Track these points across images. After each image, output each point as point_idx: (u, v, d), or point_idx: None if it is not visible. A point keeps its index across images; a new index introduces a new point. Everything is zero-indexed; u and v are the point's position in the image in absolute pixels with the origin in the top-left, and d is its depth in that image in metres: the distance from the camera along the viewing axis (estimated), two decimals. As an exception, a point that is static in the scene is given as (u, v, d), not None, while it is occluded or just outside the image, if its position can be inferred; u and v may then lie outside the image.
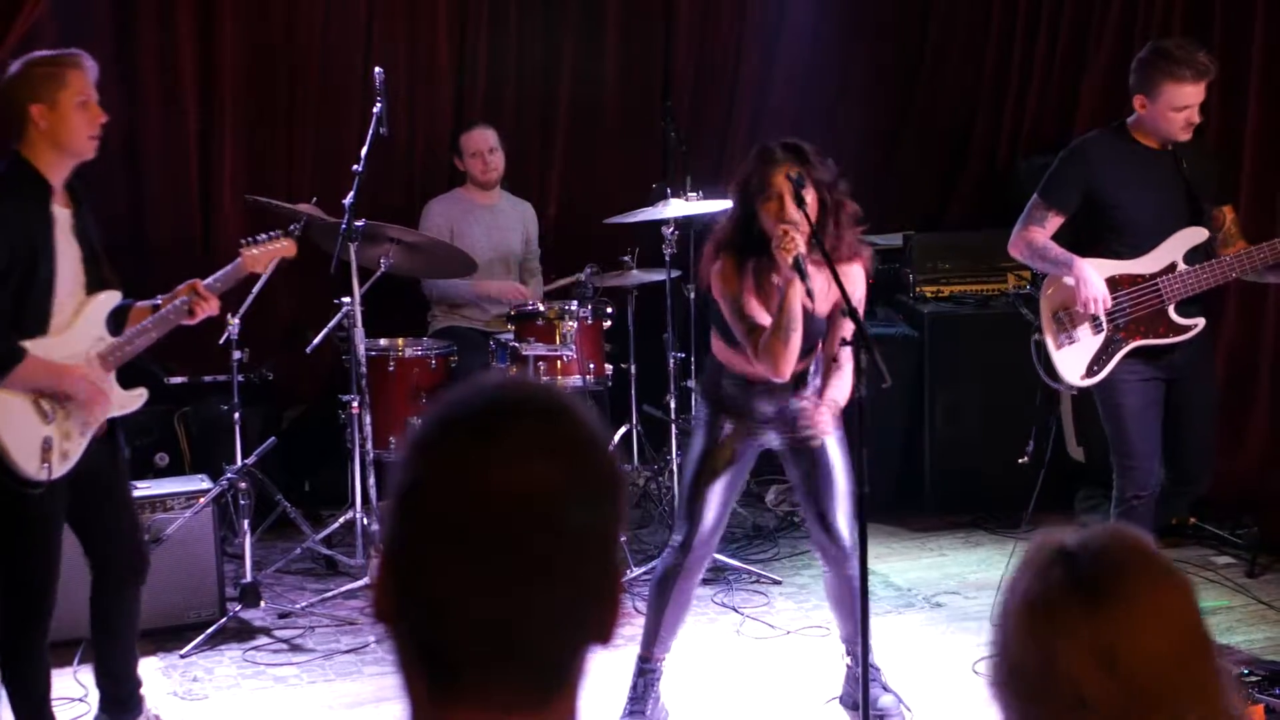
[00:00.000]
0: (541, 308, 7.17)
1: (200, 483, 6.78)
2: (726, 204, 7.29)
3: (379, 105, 6.85)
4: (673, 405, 7.45)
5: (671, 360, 7.47)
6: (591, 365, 7.25)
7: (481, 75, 8.74)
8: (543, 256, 8.34)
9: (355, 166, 6.81)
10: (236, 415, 6.84)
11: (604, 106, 9.05)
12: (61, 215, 4.96)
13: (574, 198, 8.97)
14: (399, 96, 8.28)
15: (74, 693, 5.78)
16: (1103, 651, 1.85)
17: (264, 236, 5.56)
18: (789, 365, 5.20)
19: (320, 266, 7.36)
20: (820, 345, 5.40)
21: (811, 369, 5.44)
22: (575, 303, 7.21)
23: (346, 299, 6.88)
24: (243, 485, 6.76)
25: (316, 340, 7.03)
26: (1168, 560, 1.95)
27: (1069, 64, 8.77)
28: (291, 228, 6.69)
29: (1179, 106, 5.82)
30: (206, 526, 6.59)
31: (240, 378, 6.85)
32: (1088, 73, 8.61)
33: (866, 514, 4.71)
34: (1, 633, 5.03)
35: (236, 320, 6.73)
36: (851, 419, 5.04)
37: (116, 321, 5.18)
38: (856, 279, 5.24)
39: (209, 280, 5.31)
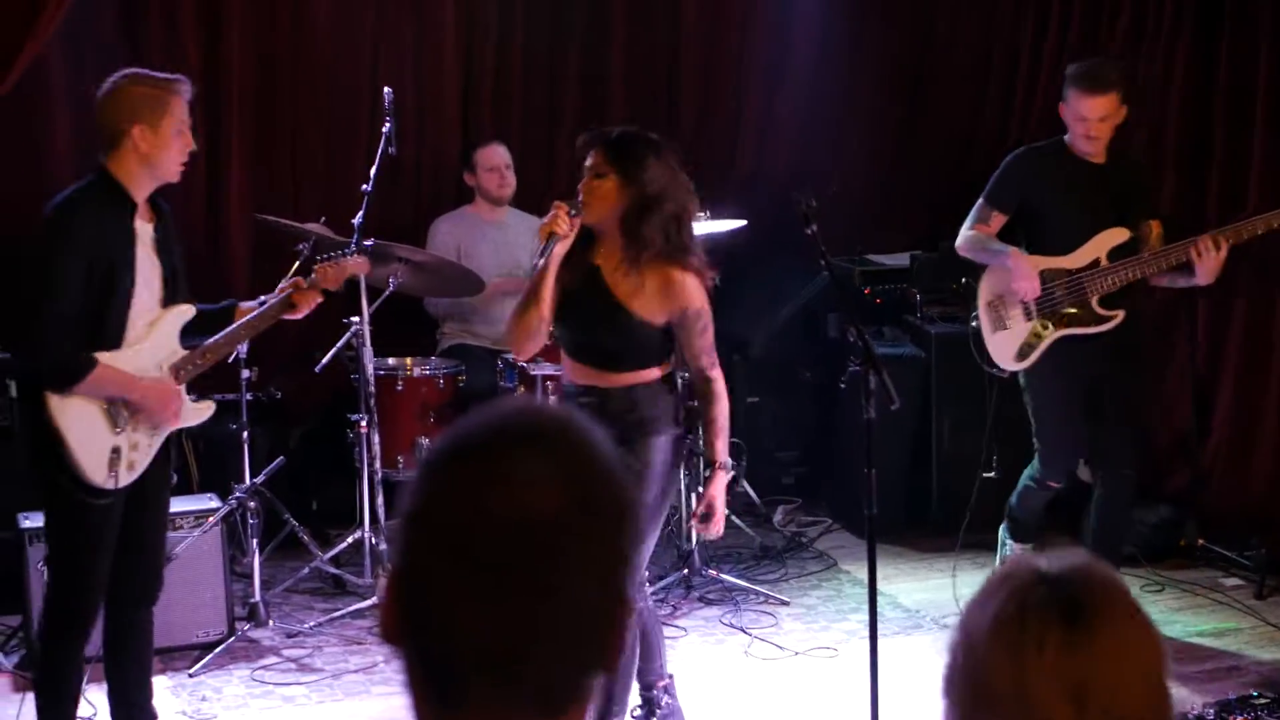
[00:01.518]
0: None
1: (209, 501, 6.77)
2: (735, 223, 7.36)
3: (388, 125, 6.88)
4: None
5: (679, 380, 7.44)
6: (600, 385, 7.24)
7: (487, 96, 8.74)
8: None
9: (364, 186, 6.84)
10: (245, 434, 6.86)
11: (610, 122, 9.02)
12: (144, 230, 5.02)
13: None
14: (406, 116, 8.26)
15: (83, 711, 5.77)
16: (1076, 685, 1.79)
17: (339, 252, 5.71)
18: (515, 340, 5.23)
19: (329, 286, 7.39)
20: (662, 366, 5.30)
21: (645, 395, 5.26)
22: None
23: (355, 318, 6.90)
24: (251, 504, 6.77)
25: (325, 359, 7.04)
26: (1138, 603, 1.92)
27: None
28: (300, 247, 6.75)
29: (1079, 117, 6.44)
30: (215, 545, 6.59)
31: (249, 396, 6.87)
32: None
33: (875, 535, 4.72)
34: (43, 637, 5.09)
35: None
36: (860, 440, 5.03)
37: (207, 328, 5.26)
38: (677, 288, 5.10)
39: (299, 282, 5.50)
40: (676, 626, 6.79)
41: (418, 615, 1.57)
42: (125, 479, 5.00)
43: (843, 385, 6.75)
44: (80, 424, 4.90)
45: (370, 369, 6.89)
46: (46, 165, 7.59)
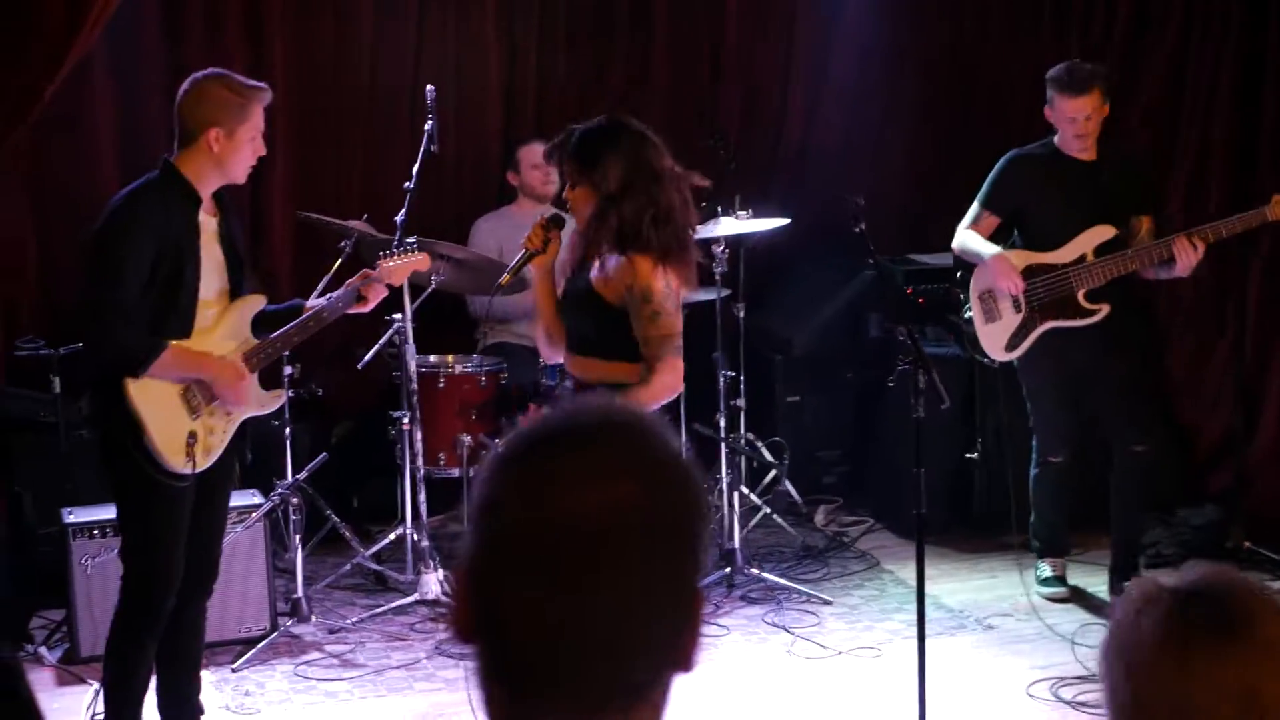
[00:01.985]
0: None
1: (252, 497, 6.78)
2: (777, 222, 7.34)
3: (430, 123, 6.87)
4: (722, 424, 7.43)
5: (722, 379, 7.46)
6: (641, 383, 7.23)
7: (530, 94, 8.73)
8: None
9: (406, 184, 6.84)
10: (287, 430, 6.87)
11: (652, 123, 8.98)
12: (208, 223, 5.08)
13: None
14: (448, 115, 8.26)
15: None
16: (1243, 694, 1.82)
17: (398, 248, 5.77)
18: (542, 348, 5.55)
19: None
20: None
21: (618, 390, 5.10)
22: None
23: (397, 316, 6.90)
24: (294, 500, 6.78)
25: (368, 357, 7.05)
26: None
27: (1122, 81, 8.70)
28: (342, 244, 6.76)
29: (1067, 118, 6.78)
30: (258, 541, 6.60)
31: (291, 393, 6.87)
32: (1137, 92, 8.55)
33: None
34: (118, 628, 5.09)
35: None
36: (904, 439, 5.02)
37: (272, 325, 5.32)
38: (628, 267, 5.03)
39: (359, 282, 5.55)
40: (719, 625, 6.77)
41: (488, 610, 1.56)
42: (202, 463, 5.07)
43: (891, 384, 6.75)
44: (158, 409, 4.96)
45: (413, 366, 6.89)
46: (92, 170, 7.63)
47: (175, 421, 5.00)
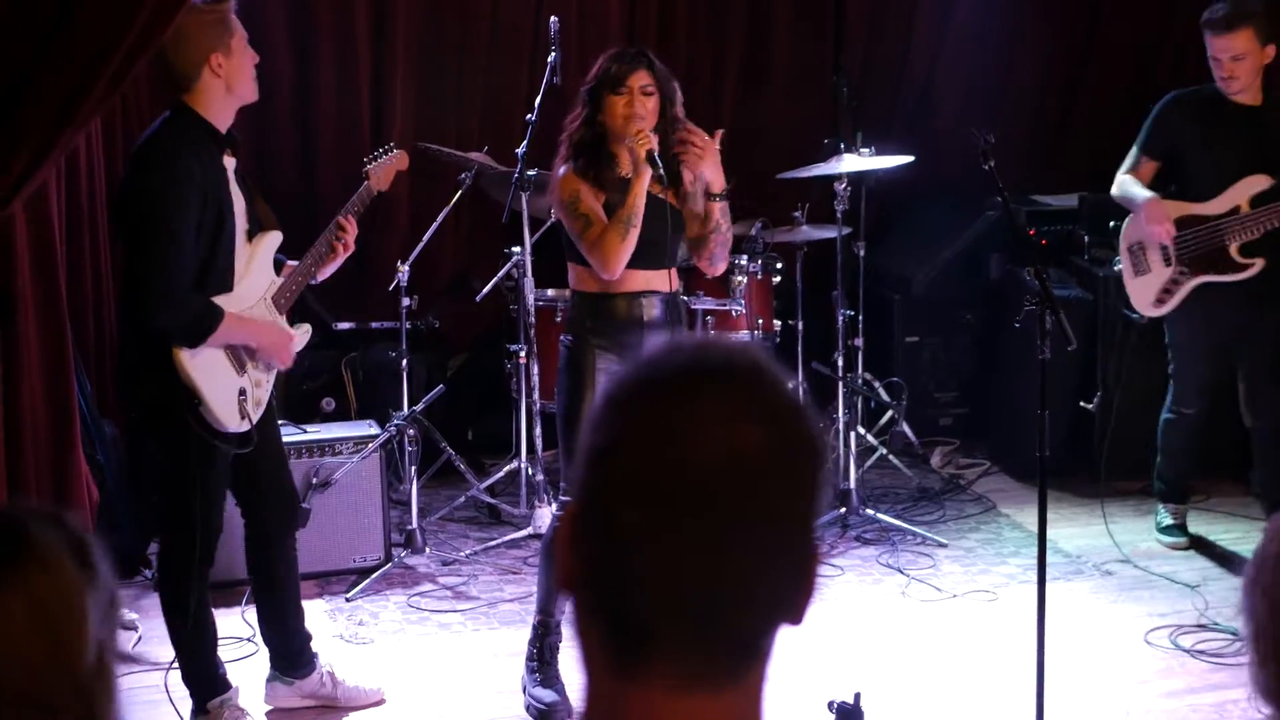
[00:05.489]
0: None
1: (368, 428, 6.80)
2: (901, 159, 7.24)
3: (554, 55, 6.82)
4: (840, 363, 7.36)
5: (840, 317, 7.39)
6: (760, 320, 7.19)
7: (652, 28, 8.67)
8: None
9: (529, 116, 6.79)
10: (404, 362, 6.88)
11: (774, 61, 8.93)
12: (229, 165, 4.92)
13: (744, 152, 8.85)
14: (570, 48, 8.20)
15: (242, 632, 5.85)
16: None
17: (379, 153, 5.53)
18: (620, 261, 5.16)
19: (489, 216, 7.37)
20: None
21: (677, 293, 5.45)
22: (745, 257, 7.12)
23: (517, 249, 6.88)
24: (410, 432, 6.80)
25: (486, 290, 7.04)
26: None
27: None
28: (462, 176, 6.75)
29: (1213, 58, 6.45)
30: (374, 472, 6.63)
31: (408, 325, 6.88)
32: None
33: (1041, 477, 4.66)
34: (173, 590, 4.99)
35: (406, 267, 6.77)
36: (1025, 382, 4.94)
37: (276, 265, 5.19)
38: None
39: (345, 210, 5.29)
40: (833, 565, 6.74)
41: (602, 561, 1.48)
42: (255, 416, 4.98)
43: (1017, 325, 6.64)
44: (210, 374, 4.84)
45: (531, 300, 6.87)
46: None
47: (226, 383, 4.88)
